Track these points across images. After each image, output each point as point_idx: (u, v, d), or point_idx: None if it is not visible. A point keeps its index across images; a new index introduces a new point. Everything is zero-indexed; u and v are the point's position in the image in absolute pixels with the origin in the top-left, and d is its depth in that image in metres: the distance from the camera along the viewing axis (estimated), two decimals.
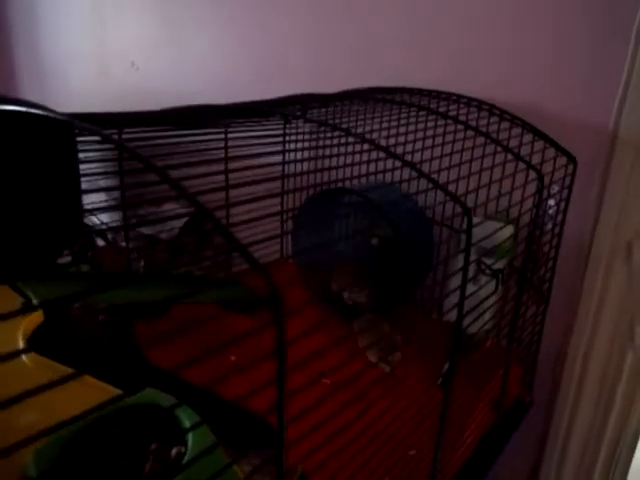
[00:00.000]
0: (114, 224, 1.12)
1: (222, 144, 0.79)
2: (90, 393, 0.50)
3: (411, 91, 0.92)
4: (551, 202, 0.83)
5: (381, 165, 0.68)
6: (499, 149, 0.72)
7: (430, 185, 0.56)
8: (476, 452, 0.75)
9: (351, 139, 0.64)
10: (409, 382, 0.80)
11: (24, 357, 0.56)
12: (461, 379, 0.64)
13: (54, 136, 0.67)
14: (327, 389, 0.50)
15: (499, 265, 0.76)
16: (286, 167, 0.94)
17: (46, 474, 0.38)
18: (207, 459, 0.34)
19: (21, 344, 0.59)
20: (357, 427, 0.54)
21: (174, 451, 0.42)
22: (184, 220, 1.23)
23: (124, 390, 0.53)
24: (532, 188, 0.71)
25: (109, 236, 1.22)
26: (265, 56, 1.27)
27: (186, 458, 0.41)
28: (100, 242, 1.20)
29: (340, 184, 0.83)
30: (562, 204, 0.83)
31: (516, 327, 0.76)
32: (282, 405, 0.34)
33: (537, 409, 0.95)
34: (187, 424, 0.44)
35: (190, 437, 0.43)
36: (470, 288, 0.56)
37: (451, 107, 0.84)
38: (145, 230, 1.18)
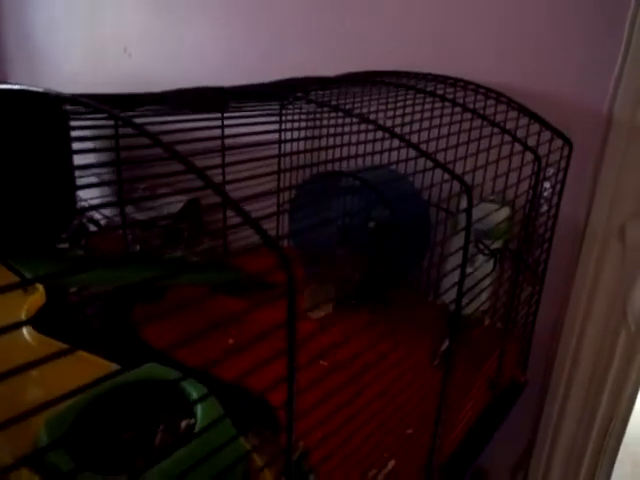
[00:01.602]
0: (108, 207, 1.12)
1: (219, 123, 0.79)
2: (94, 370, 0.50)
3: (408, 75, 0.92)
4: (547, 184, 0.84)
5: (379, 147, 0.69)
6: (496, 131, 0.73)
7: (429, 165, 0.56)
8: (472, 431, 0.76)
9: (348, 120, 0.64)
10: (405, 363, 0.81)
11: (28, 336, 0.57)
12: (457, 359, 0.65)
13: (46, 117, 0.66)
14: (324, 369, 0.51)
15: (495, 246, 0.77)
16: (284, 148, 0.94)
17: (56, 444, 0.38)
18: (215, 431, 0.35)
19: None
20: (356, 406, 0.55)
21: (184, 423, 0.43)
22: (179, 206, 1.23)
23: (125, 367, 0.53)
24: (528, 171, 0.72)
25: (103, 222, 1.22)
26: (261, 42, 1.26)
27: (196, 430, 0.42)
28: (93, 228, 1.19)
29: (338, 165, 0.83)
30: (558, 186, 0.84)
31: (512, 308, 0.77)
32: (293, 379, 0.34)
33: (531, 389, 0.96)
34: (195, 396, 0.44)
35: (199, 409, 0.43)
36: (468, 269, 0.56)
37: (448, 90, 0.84)
38: (140, 215, 1.18)
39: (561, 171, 0.83)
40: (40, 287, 0.68)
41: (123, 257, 1.00)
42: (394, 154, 0.77)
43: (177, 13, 1.42)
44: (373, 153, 0.66)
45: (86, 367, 0.45)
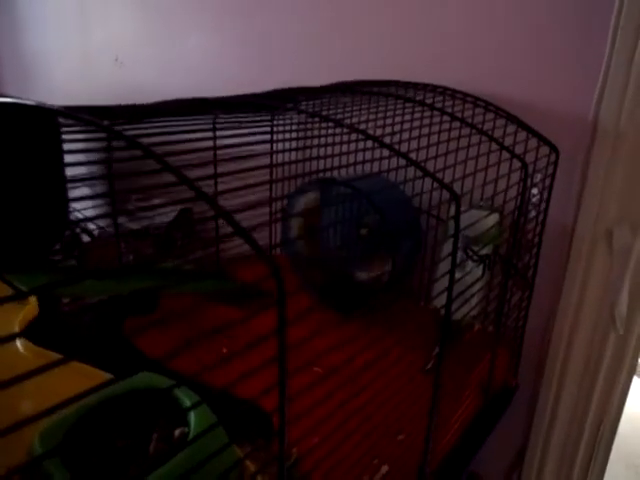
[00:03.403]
0: (101, 218, 1.12)
1: (210, 134, 0.79)
2: (88, 380, 0.50)
3: (397, 84, 0.93)
4: (534, 191, 0.85)
5: (369, 156, 0.70)
6: (484, 140, 0.74)
7: (419, 174, 0.57)
8: (464, 435, 0.77)
9: (339, 130, 0.65)
10: (396, 368, 0.81)
11: (21, 347, 0.57)
12: (449, 364, 0.66)
13: (39, 129, 0.67)
14: (318, 376, 0.51)
15: (485, 252, 0.78)
16: (275, 158, 0.95)
17: (51, 453, 0.38)
18: (209, 438, 0.35)
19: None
20: (347, 412, 0.56)
21: (177, 432, 0.43)
22: (172, 215, 1.24)
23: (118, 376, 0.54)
24: (516, 178, 0.73)
25: (96, 232, 1.22)
26: (252, 52, 1.28)
27: (189, 438, 0.42)
28: (86, 238, 1.19)
29: (329, 174, 0.84)
30: (545, 193, 0.85)
31: (502, 312, 0.78)
32: (284, 385, 0.35)
33: (522, 393, 0.97)
34: (188, 404, 0.45)
35: (192, 418, 0.43)
36: (458, 274, 0.57)
37: (437, 99, 0.85)
38: (133, 225, 1.18)
39: (548, 177, 0.85)
40: (33, 298, 0.69)
41: (117, 268, 1.00)
42: (384, 163, 0.79)
43: (168, 24, 1.43)
44: (364, 162, 0.67)
45: (79, 377, 0.45)
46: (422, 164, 0.58)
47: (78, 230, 1.17)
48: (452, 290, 0.53)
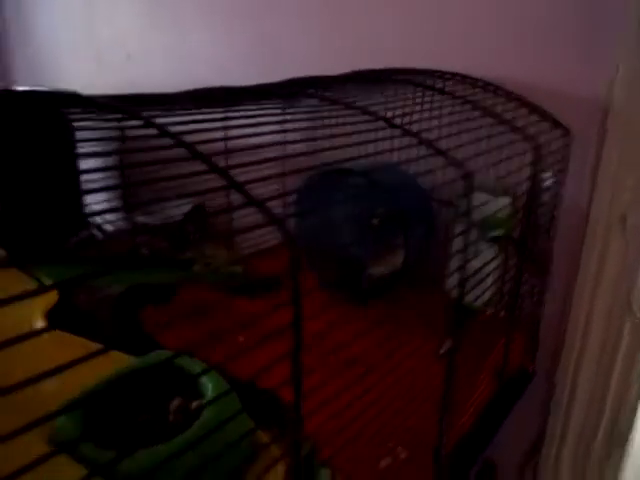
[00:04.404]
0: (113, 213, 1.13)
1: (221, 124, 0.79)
2: (104, 360, 0.51)
3: (406, 71, 0.93)
4: (547, 174, 0.85)
5: (387, 145, 0.69)
6: (495, 123, 0.73)
7: (435, 161, 0.57)
8: (480, 420, 0.77)
9: (350, 115, 0.65)
10: (411, 353, 0.81)
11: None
12: (462, 349, 0.66)
13: (52, 119, 0.68)
14: (335, 366, 0.51)
15: (497, 234, 0.77)
16: (286, 147, 0.94)
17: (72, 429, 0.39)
18: (223, 406, 0.36)
19: (40, 321, 0.62)
20: (364, 398, 0.56)
21: (194, 404, 0.44)
22: (185, 208, 1.24)
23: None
24: (527, 161, 0.72)
25: (109, 228, 1.23)
26: (262, 44, 1.28)
27: (205, 410, 0.43)
28: (99, 235, 1.21)
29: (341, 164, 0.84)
30: (558, 175, 0.85)
31: (517, 296, 0.77)
32: (299, 378, 0.35)
33: (539, 378, 0.96)
34: (204, 379, 0.45)
35: (208, 388, 0.44)
36: (470, 257, 0.57)
37: (447, 83, 0.85)
38: (145, 218, 1.19)
39: (561, 161, 0.84)
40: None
41: (137, 259, 1.01)
42: (398, 150, 0.78)
43: (177, 17, 1.44)
44: (377, 153, 0.66)
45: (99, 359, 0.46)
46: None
47: (94, 229, 1.18)
48: (465, 267, 0.53)
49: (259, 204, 0.32)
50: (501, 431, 0.82)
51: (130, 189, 0.96)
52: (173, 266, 0.94)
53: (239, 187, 0.36)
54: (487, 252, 0.76)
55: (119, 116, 0.51)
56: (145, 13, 1.53)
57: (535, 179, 0.72)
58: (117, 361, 0.55)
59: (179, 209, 1.20)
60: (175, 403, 0.44)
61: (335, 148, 0.58)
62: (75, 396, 0.41)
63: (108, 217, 1.17)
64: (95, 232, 1.19)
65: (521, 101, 0.83)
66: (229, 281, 0.95)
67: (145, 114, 0.60)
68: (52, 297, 0.67)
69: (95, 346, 0.56)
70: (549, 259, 0.89)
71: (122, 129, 0.75)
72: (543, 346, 0.97)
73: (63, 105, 0.60)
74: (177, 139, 0.37)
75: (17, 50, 1.95)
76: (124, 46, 1.58)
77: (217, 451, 0.31)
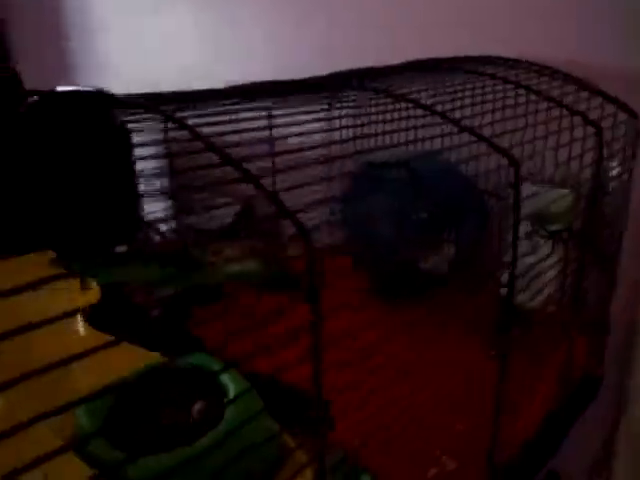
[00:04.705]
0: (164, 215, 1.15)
1: (266, 123, 0.78)
2: (135, 358, 0.51)
3: (454, 60, 0.89)
4: (613, 162, 0.78)
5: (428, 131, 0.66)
6: (553, 110, 0.68)
7: (480, 150, 0.53)
8: (542, 429, 0.71)
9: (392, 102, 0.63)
10: (461, 355, 0.77)
11: (82, 331, 0.59)
12: (520, 351, 0.61)
13: (110, 123, 0.69)
14: (374, 365, 0.49)
15: (556, 228, 0.72)
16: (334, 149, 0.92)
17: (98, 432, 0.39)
18: (244, 405, 0.35)
19: (80, 320, 0.63)
20: (404, 403, 0.53)
21: (197, 406, 0.43)
22: (234, 213, 1.25)
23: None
24: (591, 150, 0.67)
25: (161, 229, 1.25)
26: (314, 34, 1.26)
27: (227, 411, 0.42)
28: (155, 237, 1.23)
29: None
30: (627, 163, 0.78)
31: (580, 295, 0.71)
32: (319, 378, 0.33)
33: (608, 384, 0.89)
34: (226, 380, 0.44)
35: (230, 389, 0.43)
36: (526, 251, 0.53)
37: (498, 69, 0.80)
38: (192, 219, 1.20)
39: (629, 146, 0.77)
40: (95, 284, 0.71)
41: (186, 262, 1.02)
42: (447, 142, 0.74)
43: (222, 14, 1.44)
44: (422, 139, 0.63)
45: (131, 357, 0.47)
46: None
47: (150, 232, 1.21)
48: (516, 263, 0.49)
49: (274, 198, 0.31)
50: (567, 439, 0.76)
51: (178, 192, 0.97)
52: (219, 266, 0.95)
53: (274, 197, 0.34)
54: (545, 247, 0.71)
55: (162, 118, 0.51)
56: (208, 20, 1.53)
57: (598, 167, 0.67)
58: (147, 358, 0.56)
59: (227, 210, 1.21)
60: (197, 407, 0.43)
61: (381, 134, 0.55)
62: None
63: (161, 219, 1.19)
64: (151, 234, 1.22)
65: (580, 84, 0.77)
66: (266, 280, 0.95)
67: (191, 122, 0.60)
68: (94, 295, 0.69)
69: (134, 348, 0.57)
70: (616, 253, 0.82)
71: (166, 131, 0.75)
72: (612, 348, 0.89)
73: (110, 106, 0.60)
74: (222, 154, 0.35)
75: (78, 53, 2.01)
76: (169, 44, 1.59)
77: (238, 454, 0.30)
